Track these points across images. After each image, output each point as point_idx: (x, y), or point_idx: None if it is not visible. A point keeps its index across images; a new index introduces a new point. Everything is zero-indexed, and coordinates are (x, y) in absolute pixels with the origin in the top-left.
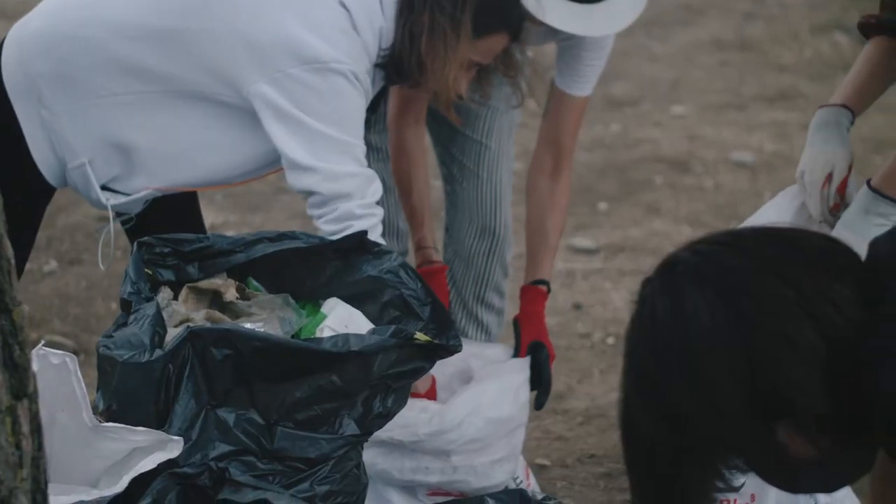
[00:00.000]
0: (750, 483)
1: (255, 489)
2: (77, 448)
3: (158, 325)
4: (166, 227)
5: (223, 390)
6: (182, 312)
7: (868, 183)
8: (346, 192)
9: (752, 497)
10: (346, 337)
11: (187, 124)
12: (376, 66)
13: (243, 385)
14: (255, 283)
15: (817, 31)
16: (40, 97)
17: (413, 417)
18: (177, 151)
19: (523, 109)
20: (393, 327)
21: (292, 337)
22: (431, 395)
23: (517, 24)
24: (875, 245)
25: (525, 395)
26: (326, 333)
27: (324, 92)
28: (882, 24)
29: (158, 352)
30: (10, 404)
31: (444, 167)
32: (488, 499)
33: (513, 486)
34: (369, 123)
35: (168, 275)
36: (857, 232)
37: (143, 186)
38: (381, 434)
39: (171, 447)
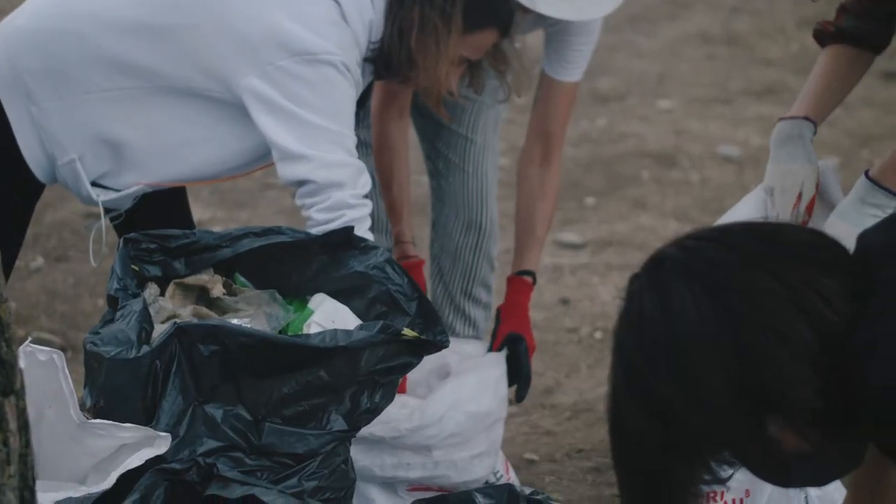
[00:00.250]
0: (745, 478)
1: (242, 485)
2: (64, 445)
3: (145, 321)
4: (155, 223)
5: (210, 386)
6: (169, 308)
7: (866, 173)
8: (338, 181)
9: (747, 492)
10: (333, 332)
11: (177, 120)
12: (365, 60)
13: (231, 381)
14: (241, 278)
15: (804, 25)
16: (29, 94)
17: (393, 413)
18: (167, 147)
19: (510, 105)
20: (380, 323)
21: (279, 332)
22: (401, 388)
23: (507, 17)
24: (864, 238)
25: (503, 389)
26: (314, 329)
27: (315, 83)
28: (842, 33)
29: (145, 348)
30: None
31: (429, 162)
32: (476, 494)
33: (493, 480)
34: (357, 118)
35: (155, 271)
36: (852, 221)
37: (134, 182)
38: (361, 430)
39: (159, 443)
